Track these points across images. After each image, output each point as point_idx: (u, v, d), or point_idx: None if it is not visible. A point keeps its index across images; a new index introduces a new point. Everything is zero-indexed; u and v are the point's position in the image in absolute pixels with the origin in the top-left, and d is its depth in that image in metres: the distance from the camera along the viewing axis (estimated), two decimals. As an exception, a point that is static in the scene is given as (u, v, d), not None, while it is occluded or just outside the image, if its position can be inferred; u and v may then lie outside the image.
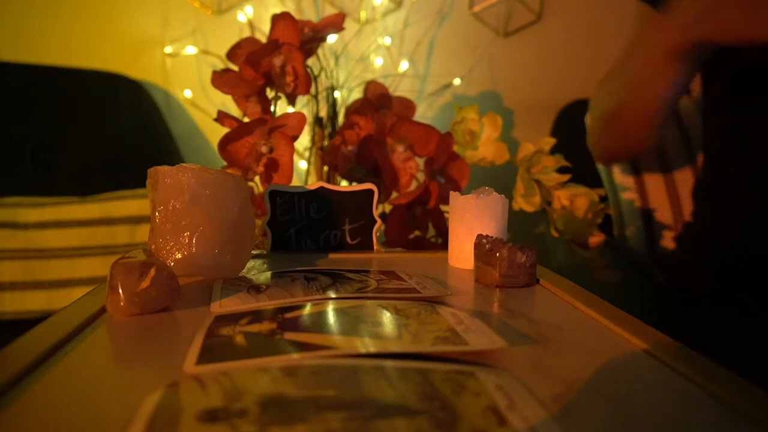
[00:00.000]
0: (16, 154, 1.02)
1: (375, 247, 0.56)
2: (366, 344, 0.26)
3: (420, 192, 0.65)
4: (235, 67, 0.68)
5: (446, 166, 0.69)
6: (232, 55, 0.69)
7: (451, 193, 0.50)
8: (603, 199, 0.75)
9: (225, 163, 0.63)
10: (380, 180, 0.67)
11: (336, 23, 0.71)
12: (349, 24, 1.20)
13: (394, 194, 0.69)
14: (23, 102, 1.05)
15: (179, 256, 0.38)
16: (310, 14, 1.23)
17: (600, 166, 1.04)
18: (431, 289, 0.38)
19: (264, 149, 0.60)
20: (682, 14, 0.57)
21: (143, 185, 0.42)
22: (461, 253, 0.48)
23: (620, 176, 1.01)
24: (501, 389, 0.22)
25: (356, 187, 0.55)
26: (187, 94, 1.23)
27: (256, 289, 0.38)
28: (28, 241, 0.89)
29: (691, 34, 0.56)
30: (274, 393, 0.21)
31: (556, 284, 0.41)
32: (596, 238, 0.75)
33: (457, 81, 1.26)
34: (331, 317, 0.31)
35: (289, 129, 0.61)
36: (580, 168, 0.86)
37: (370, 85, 0.82)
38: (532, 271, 0.42)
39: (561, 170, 0.73)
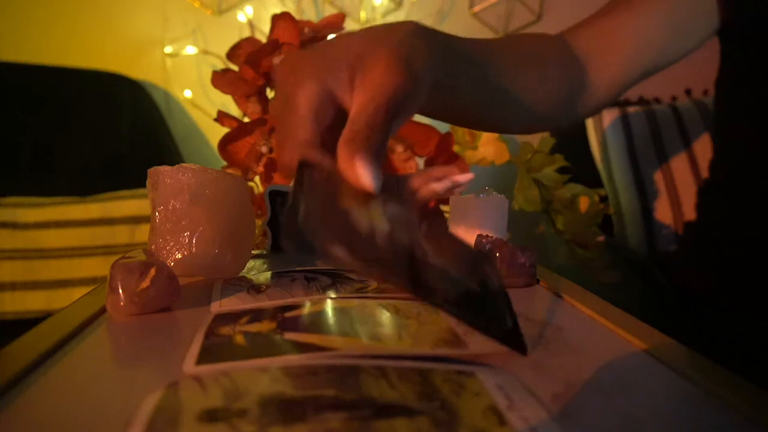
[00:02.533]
0: (16, 154, 1.02)
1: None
2: (366, 344, 0.26)
3: (420, 192, 0.65)
4: (235, 67, 0.68)
5: (446, 166, 0.69)
6: (232, 55, 0.69)
7: (451, 193, 0.50)
8: (603, 199, 0.75)
9: (225, 163, 0.62)
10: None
11: (336, 23, 0.71)
12: (349, 24, 1.20)
13: (394, 194, 0.69)
14: (23, 102, 1.05)
15: (179, 256, 0.38)
16: (310, 14, 1.23)
17: (600, 166, 1.04)
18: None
19: (264, 149, 0.60)
20: None
21: (143, 185, 0.42)
22: (461, 253, 0.48)
23: (620, 176, 1.01)
24: (501, 389, 0.22)
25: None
26: (187, 94, 1.23)
27: (256, 289, 0.38)
28: (28, 241, 0.89)
29: None
30: (274, 393, 0.21)
31: (556, 284, 0.41)
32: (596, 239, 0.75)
33: (457, 81, 1.26)
34: (331, 317, 0.31)
35: (289, 129, 0.60)
36: (580, 168, 0.86)
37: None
38: (532, 271, 0.41)
39: (561, 170, 0.73)
